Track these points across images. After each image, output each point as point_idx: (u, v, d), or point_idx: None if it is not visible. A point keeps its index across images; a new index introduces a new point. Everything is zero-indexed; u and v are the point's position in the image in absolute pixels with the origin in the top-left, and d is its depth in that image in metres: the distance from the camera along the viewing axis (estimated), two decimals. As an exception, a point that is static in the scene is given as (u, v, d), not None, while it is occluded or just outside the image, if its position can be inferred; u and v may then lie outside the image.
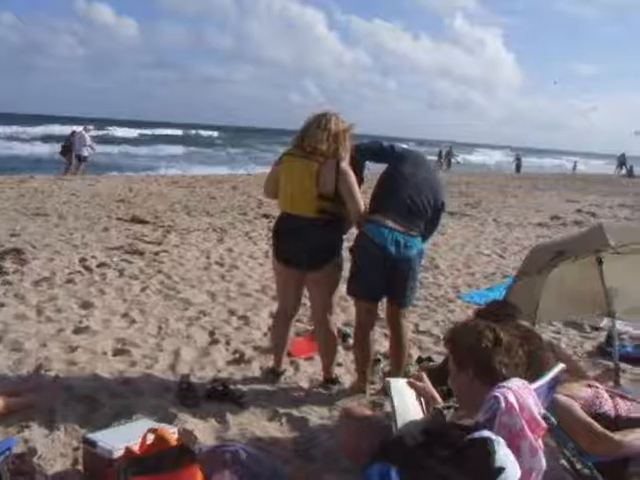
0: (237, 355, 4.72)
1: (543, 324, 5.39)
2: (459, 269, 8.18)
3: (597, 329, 5.65)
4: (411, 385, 2.56)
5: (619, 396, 3.01)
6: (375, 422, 2.59)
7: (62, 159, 19.24)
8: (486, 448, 1.73)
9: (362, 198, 3.92)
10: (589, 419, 2.70)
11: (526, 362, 2.35)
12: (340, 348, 4.84)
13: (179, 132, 60.02)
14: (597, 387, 2.96)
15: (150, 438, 2.76)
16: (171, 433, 2.81)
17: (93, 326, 5.11)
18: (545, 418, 2.65)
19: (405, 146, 4.83)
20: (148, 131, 58.30)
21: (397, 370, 4.09)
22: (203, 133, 64.34)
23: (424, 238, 4.04)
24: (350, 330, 5.16)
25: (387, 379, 2.63)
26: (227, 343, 4.97)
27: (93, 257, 7.46)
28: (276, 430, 3.60)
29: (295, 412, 3.80)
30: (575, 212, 14.81)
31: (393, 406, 2.48)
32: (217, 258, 7.91)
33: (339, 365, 4.56)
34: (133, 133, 54.06)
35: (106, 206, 11.56)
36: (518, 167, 37.55)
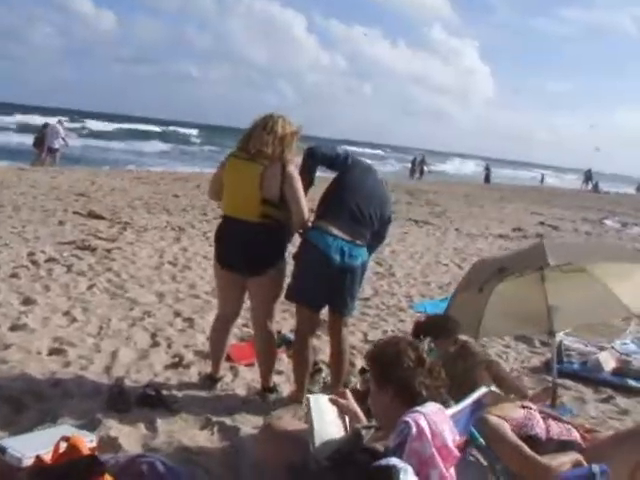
0: (176, 359, 4.60)
1: (491, 338, 5.39)
2: (415, 278, 8.16)
3: (546, 344, 5.64)
4: (333, 402, 2.49)
5: (552, 418, 2.98)
6: (296, 439, 2.51)
7: (34, 150, 19.17)
8: (390, 477, 1.66)
9: (308, 204, 3.85)
10: (519, 441, 2.66)
11: (449, 384, 2.29)
12: (283, 356, 4.78)
13: (157, 128, 58.99)
14: (530, 408, 2.93)
15: (63, 446, 2.65)
16: (85, 442, 2.69)
17: (31, 324, 4.94)
18: (473, 439, 2.63)
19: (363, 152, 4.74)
20: (126, 125, 57.19)
21: (336, 380, 4.04)
22: (181, 130, 63.24)
23: (369, 249, 4.00)
24: (295, 337, 5.11)
25: (307, 395, 2.56)
26: (168, 346, 4.85)
27: (42, 252, 7.26)
28: (206, 439, 3.50)
29: (228, 421, 3.71)
30: (538, 224, 14.95)
31: (311, 424, 2.41)
32: (170, 258, 7.77)
33: (279, 373, 4.48)
34: (109, 127, 53.03)
35: (64, 199, 11.30)
36: (487, 177, 37.80)
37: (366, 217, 3.84)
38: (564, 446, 2.76)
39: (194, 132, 64.06)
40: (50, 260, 6.93)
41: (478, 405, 2.17)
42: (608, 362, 4.93)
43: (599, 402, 4.38)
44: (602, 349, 5.70)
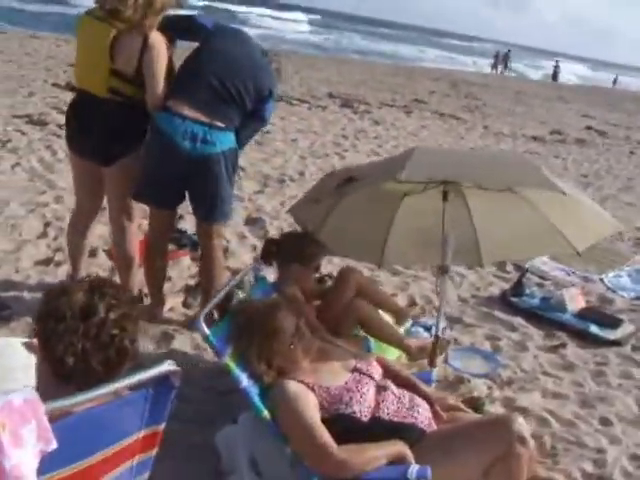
0: (53, 254, 3.96)
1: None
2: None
3: (521, 269, 4.70)
4: (29, 347, 1.74)
5: (405, 387, 2.16)
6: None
7: None
8: None
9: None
10: (314, 423, 1.86)
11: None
12: (186, 258, 4.12)
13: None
14: (363, 373, 2.09)
15: None
16: None
17: None
18: (256, 411, 1.88)
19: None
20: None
21: (206, 300, 3.29)
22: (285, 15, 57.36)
23: (245, 134, 3.14)
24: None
25: None
26: (55, 238, 4.20)
27: (-15, 124, 6.62)
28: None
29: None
30: (584, 129, 13.33)
31: None
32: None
33: (168, 280, 3.79)
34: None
35: (53, 69, 10.49)
36: (555, 75, 35.01)
37: (230, 91, 2.95)
38: (397, 430, 1.95)
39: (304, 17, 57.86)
40: (-14, 134, 6.29)
41: (162, 387, 1.37)
42: (574, 301, 3.98)
43: (543, 351, 3.50)
44: (587, 280, 4.76)
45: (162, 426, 1.47)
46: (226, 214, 3.18)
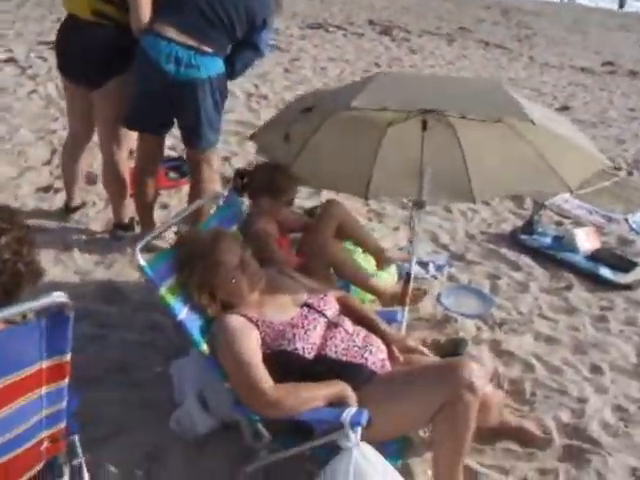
0: (54, 181, 3.98)
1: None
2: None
3: (542, 206, 4.44)
4: None
5: (363, 325, 2.06)
6: None
7: None
8: None
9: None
10: (251, 360, 1.77)
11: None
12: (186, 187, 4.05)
13: None
14: (312, 309, 1.98)
15: None
16: None
17: None
18: (194, 344, 1.82)
19: None
20: None
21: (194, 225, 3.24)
22: None
23: (239, 64, 3.00)
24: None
25: None
26: (59, 166, 4.17)
27: (9, 50, 6.58)
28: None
29: (70, 258, 3.20)
30: (641, 60, 12.46)
31: None
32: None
33: (164, 207, 3.77)
34: None
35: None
36: (622, 2, 32.71)
37: (220, 15, 2.82)
38: (343, 370, 1.86)
39: None
40: (8, 61, 6.26)
41: (57, 317, 1.30)
42: (588, 241, 3.76)
43: (546, 292, 3.32)
44: (610, 220, 4.49)
45: (67, 357, 1.41)
46: (212, 141, 3.08)
